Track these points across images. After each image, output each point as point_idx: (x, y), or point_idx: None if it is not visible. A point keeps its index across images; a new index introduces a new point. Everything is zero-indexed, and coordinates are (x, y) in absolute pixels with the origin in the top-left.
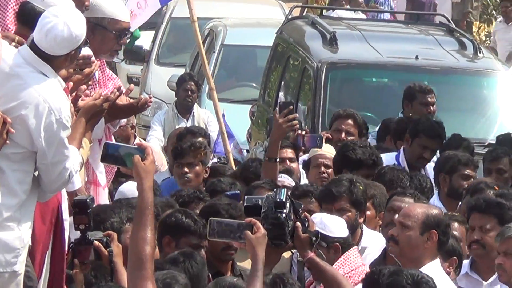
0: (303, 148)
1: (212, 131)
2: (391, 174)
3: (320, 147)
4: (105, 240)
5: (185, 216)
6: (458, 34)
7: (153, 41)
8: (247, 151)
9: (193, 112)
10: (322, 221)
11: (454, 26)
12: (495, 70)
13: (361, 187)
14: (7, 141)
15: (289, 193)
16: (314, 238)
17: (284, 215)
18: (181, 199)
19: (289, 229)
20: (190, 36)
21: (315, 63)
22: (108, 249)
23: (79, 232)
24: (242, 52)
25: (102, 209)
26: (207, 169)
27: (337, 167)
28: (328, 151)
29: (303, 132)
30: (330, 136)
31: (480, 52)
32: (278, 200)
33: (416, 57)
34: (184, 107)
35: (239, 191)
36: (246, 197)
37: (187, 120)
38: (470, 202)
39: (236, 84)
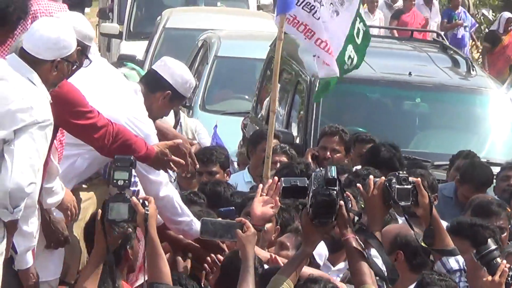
0: None
1: (203, 138)
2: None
3: None
4: (141, 201)
5: None
6: (451, 52)
7: (146, 51)
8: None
9: (180, 122)
10: None
11: (447, 43)
12: (487, 88)
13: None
14: None
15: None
16: (357, 218)
17: (335, 192)
18: None
19: (337, 207)
20: (183, 46)
21: (308, 77)
22: (145, 208)
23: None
24: (236, 64)
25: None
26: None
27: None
28: None
29: None
30: (317, 153)
31: (473, 70)
32: (330, 177)
33: (409, 74)
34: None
35: (233, 208)
36: (283, 178)
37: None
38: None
39: (229, 96)
